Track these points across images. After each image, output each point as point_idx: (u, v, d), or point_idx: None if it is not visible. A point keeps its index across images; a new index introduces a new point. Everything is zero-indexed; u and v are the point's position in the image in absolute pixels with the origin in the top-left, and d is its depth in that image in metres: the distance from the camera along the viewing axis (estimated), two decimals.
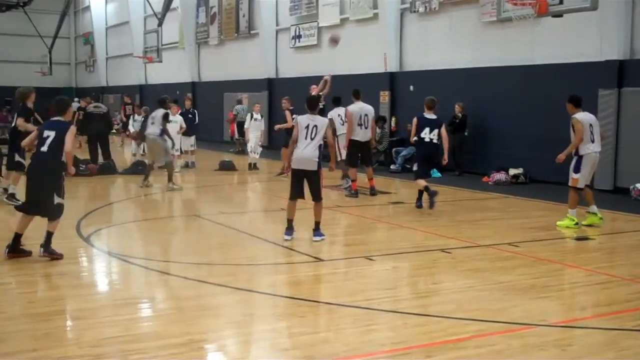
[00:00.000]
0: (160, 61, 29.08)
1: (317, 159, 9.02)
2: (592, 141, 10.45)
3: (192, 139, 18.68)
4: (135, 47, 35.11)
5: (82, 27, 46.32)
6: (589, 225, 10.42)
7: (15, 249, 7.91)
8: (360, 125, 13.38)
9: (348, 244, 9.61)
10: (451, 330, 5.53)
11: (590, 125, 10.44)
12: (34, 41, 40.69)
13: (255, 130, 18.10)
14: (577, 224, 10.31)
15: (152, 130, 14.43)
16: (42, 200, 7.80)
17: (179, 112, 18.04)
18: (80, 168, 16.44)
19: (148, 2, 30.99)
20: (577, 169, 10.48)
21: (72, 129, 7.96)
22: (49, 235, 7.86)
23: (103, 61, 42.87)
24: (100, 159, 17.32)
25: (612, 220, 11.68)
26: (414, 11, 19.38)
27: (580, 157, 10.44)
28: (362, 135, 13.44)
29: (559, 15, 12.73)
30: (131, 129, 22.16)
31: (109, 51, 42.41)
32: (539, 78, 15.73)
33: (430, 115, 12.02)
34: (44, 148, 7.79)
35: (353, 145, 13.40)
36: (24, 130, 10.95)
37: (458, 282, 7.17)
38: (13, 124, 11.52)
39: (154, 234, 10.19)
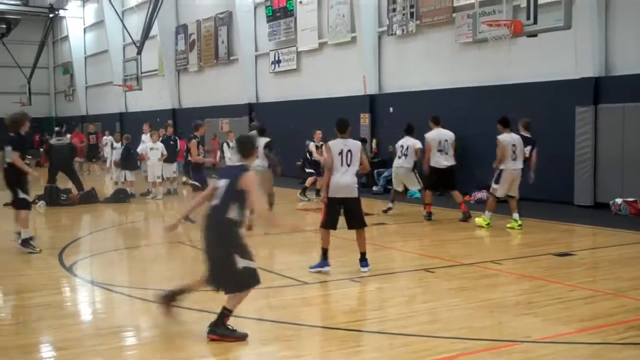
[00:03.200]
0: (140, 89, 29.06)
1: (356, 185, 8.71)
2: (514, 159, 12.18)
3: (174, 165, 18.66)
4: (114, 76, 35.10)
5: (61, 56, 46.29)
6: (511, 228, 11.95)
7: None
8: (440, 151, 13.46)
9: (332, 266, 9.59)
10: (437, 349, 5.54)
11: (513, 145, 12.18)
12: (13, 72, 40.63)
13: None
14: (488, 224, 12.15)
15: (260, 162, 12.26)
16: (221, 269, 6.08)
17: (160, 139, 18.05)
18: (62, 197, 16.38)
19: (127, 30, 31.06)
20: (496, 181, 12.29)
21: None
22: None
23: (82, 90, 42.80)
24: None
25: (593, 235, 11.79)
26: (392, 34, 19.57)
27: (500, 172, 12.21)
28: (443, 160, 13.50)
29: (533, 35, 12.91)
30: (108, 156, 22.19)
31: (89, 80, 42.36)
32: (517, 97, 15.90)
33: (525, 133, 12.74)
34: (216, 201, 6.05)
35: (434, 172, 13.48)
36: (20, 167, 9.87)
37: (443, 301, 7.19)
38: (7, 160, 9.90)
39: (137, 262, 10.14)
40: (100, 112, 39.28)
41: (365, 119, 20.38)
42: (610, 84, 14.31)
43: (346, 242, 11.32)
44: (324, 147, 9.60)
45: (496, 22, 12.96)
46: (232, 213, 5.89)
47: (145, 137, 19.58)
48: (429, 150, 13.46)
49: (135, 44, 29.05)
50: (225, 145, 20.23)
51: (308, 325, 6.48)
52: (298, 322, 6.51)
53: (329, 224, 8.80)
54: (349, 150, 8.62)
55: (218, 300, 7.50)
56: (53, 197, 16.11)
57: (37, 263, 9.63)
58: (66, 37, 44.00)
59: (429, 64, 18.61)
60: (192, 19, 30.09)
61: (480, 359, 5.32)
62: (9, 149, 9.82)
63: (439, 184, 13.72)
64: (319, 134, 17.42)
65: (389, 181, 18.32)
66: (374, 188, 18.50)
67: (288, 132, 22.13)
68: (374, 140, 20.17)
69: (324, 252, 8.84)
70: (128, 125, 32.90)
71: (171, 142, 18.78)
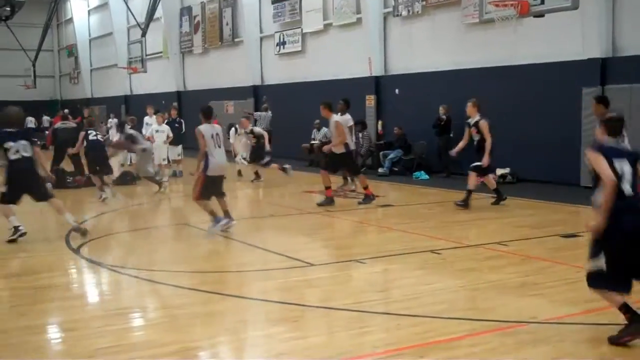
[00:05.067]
0: (145, 71, 29.01)
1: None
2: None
3: (179, 148, 18.64)
4: (119, 58, 35.06)
5: (66, 39, 46.21)
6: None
7: None
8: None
9: (338, 247, 9.62)
10: (444, 330, 5.55)
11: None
12: (18, 54, 40.58)
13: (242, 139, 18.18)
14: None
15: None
16: None
17: (165, 121, 18.04)
18: (68, 180, 16.41)
19: (131, 12, 30.96)
20: None
21: None
22: None
23: (87, 73, 42.76)
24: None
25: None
26: (397, 15, 19.46)
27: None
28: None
29: (540, 15, 12.82)
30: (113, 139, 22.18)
31: (93, 63, 42.31)
32: (523, 78, 15.83)
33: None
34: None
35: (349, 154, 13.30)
36: (43, 162, 9.94)
37: (449, 282, 7.20)
38: (28, 154, 9.56)
39: (144, 244, 10.16)
40: (105, 95, 39.26)
41: (370, 101, 20.32)
42: (617, 64, 14.21)
43: (349, 223, 11.36)
44: (196, 132, 10.05)
45: (503, 3, 12.86)
46: None
47: (149, 120, 19.56)
48: (344, 133, 12.81)
49: (139, 26, 28.98)
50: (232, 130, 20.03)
51: (314, 306, 6.49)
52: (304, 304, 6.52)
53: (206, 196, 10.05)
54: (217, 134, 10.04)
55: (228, 282, 7.54)
56: (59, 180, 16.13)
57: (44, 245, 9.66)
58: (70, 20, 43.91)
59: (434, 45, 18.51)
60: (196, 1, 29.96)
61: (486, 340, 5.33)
62: (24, 142, 9.61)
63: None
64: (245, 122, 17.40)
65: (394, 163, 18.32)
66: (380, 170, 18.47)
67: (292, 114, 22.10)
68: (380, 122, 20.12)
69: (212, 213, 9.98)
70: (133, 108, 32.88)
71: (176, 125, 18.78)
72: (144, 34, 28.43)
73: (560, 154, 14.87)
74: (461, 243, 9.19)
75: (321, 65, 22.45)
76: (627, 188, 5.22)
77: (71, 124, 18.24)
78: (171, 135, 17.47)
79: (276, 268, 8.23)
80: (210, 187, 10.01)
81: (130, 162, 18.14)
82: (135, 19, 30.00)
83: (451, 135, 17.26)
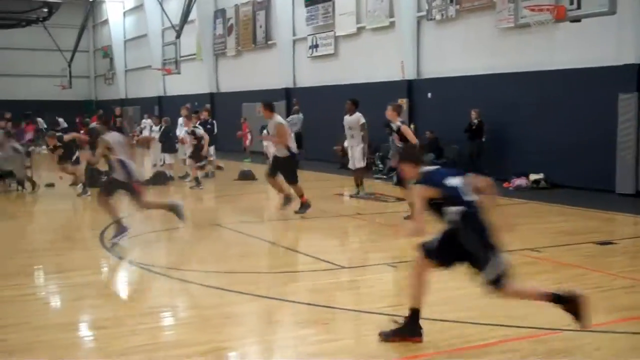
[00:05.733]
0: (179, 73, 29.22)
1: None
2: None
3: (211, 149, 18.76)
4: (153, 60, 35.37)
5: (101, 40, 46.76)
6: None
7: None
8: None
9: (369, 250, 9.60)
10: (476, 336, 5.51)
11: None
12: (54, 55, 41.15)
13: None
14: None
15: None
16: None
17: (198, 122, 18.16)
18: (102, 179, 16.60)
19: (166, 15, 31.22)
20: None
21: None
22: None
23: (122, 74, 43.23)
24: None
25: (634, 224, 11.59)
26: (431, 19, 19.38)
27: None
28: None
29: (577, 20, 12.69)
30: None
31: (128, 64, 42.76)
32: (558, 83, 15.66)
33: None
34: None
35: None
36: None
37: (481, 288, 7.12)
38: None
39: (176, 244, 10.24)
40: (139, 96, 39.64)
41: (403, 104, 20.23)
42: None
43: (381, 226, 11.32)
44: (99, 140, 10.11)
45: (539, 7, 12.76)
46: None
47: (182, 121, 19.70)
48: (285, 135, 12.20)
49: (174, 28, 29.21)
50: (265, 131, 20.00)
51: (344, 309, 6.48)
52: (334, 306, 6.51)
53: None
54: (120, 141, 10.07)
55: (259, 283, 7.55)
56: (93, 179, 16.35)
57: (78, 243, 9.78)
58: (106, 21, 44.42)
59: (468, 50, 18.40)
60: (230, 4, 30.14)
61: (520, 347, 5.27)
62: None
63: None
64: (187, 121, 17.70)
65: None
66: None
67: (324, 117, 22.10)
68: (412, 126, 20.01)
69: (118, 221, 9.64)
70: (167, 109, 33.15)
71: (208, 126, 18.88)
72: (178, 36, 28.65)
73: (595, 160, 14.67)
74: None
75: (353, 68, 22.44)
76: None
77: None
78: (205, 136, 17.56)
79: (307, 270, 8.25)
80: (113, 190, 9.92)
81: (163, 162, 18.27)
82: (170, 21, 30.26)
83: (483, 139, 17.15)
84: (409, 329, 5.37)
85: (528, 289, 5.59)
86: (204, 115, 19.68)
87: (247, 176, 18.33)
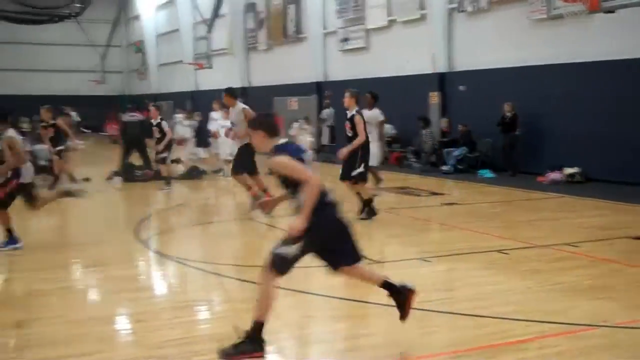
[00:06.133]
0: (211, 67, 29.40)
1: None
2: None
3: None
4: (185, 54, 35.59)
5: (133, 35, 47.16)
6: None
7: None
8: None
9: (403, 245, 9.58)
10: (512, 332, 5.47)
11: None
12: (87, 50, 41.64)
13: (304, 136, 18.33)
14: None
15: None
16: None
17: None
18: (137, 174, 16.78)
19: (197, 9, 31.40)
20: None
21: None
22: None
23: (154, 68, 43.57)
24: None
25: None
26: (462, 11, 19.22)
27: None
28: None
29: (611, 11, 12.50)
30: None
31: (160, 58, 43.08)
32: (591, 75, 15.43)
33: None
34: None
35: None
36: None
37: (516, 283, 7.08)
38: None
39: (210, 238, 10.31)
40: (171, 91, 39.94)
41: (434, 98, 20.14)
42: None
43: (414, 221, 11.28)
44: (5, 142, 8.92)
45: None
46: None
47: (215, 115, 19.81)
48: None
49: (205, 22, 29.37)
50: (296, 124, 20.10)
51: (378, 304, 6.45)
52: (368, 301, 6.50)
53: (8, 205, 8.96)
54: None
55: (292, 277, 7.56)
56: (128, 173, 16.55)
57: (113, 237, 9.90)
58: (138, 16, 44.80)
59: (500, 41, 18.22)
60: None
61: (556, 343, 5.22)
62: None
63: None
64: (155, 112, 16.50)
65: (459, 160, 18.11)
66: (443, 167, 18.30)
67: None
68: (445, 119, 19.91)
69: (9, 230, 8.93)
70: (199, 103, 33.36)
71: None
72: (209, 31, 28.81)
73: (631, 153, 14.45)
74: (528, 243, 9.02)
75: (385, 61, 22.35)
76: None
77: (138, 116, 18.41)
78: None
79: None
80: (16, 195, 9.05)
81: (197, 157, 18.41)
82: (201, 15, 30.43)
83: (517, 132, 16.99)
84: (252, 343, 4.96)
85: (366, 271, 5.53)
86: None
87: None
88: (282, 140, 5.14)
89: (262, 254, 8.80)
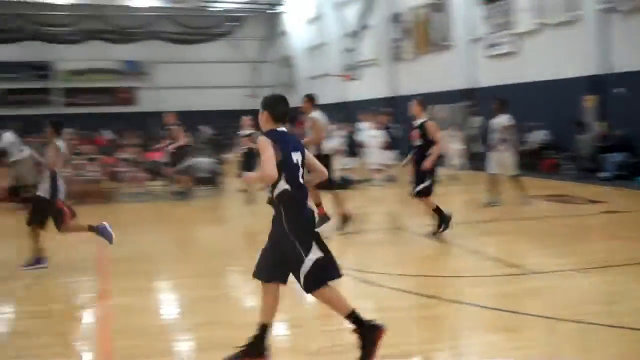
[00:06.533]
0: (358, 79, 29.70)
1: None
2: None
3: (392, 153, 18.92)
4: (333, 67, 36.21)
5: (282, 50, 48.57)
6: None
7: None
8: None
9: (558, 255, 9.25)
10: None
11: None
12: (239, 67, 43.47)
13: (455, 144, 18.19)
14: None
15: None
16: None
17: (380, 127, 18.44)
18: None
19: (343, 22, 31.88)
20: None
21: None
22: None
23: (303, 82, 44.63)
24: None
25: None
26: (618, 10, 18.31)
27: None
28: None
29: None
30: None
31: (308, 72, 44.06)
32: None
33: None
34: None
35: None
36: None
37: None
38: None
39: (361, 246, 10.43)
40: (320, 103, 40.70)
41: (589, 101, 19.28)
42: None
43: (571, 230, 10.86)
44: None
45: None
46: None
47: (364, 125, 20.05)
48: (320, 132, 11.25)
49: (352, 35, 29.77)
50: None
51: (533, 315, 6.30)
52: (522, 312, 6.35)
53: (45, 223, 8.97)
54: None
55: (445, 287, 7.53)
56: None
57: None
58: (286, 32, 46.10)
59: None
60: (406, 7, 30.21)
61: None
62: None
63: None
64: (247, 119, 16.53)
65: (619, 166, 17.22)
66: (601, 174, 17.45)
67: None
68: (602, 123, 19.01)
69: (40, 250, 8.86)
70: (348, 115, 33.80)
71: (389, 130, 19.08)
72: (356, 42, 29.15)
73: None
74: None
75: (535, 65, 21.68)
76: None
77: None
78: (385, 140, 17.82)
79: (493, 275, 8.11)
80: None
81: (347, 167, 18.67)
82: (348, 28, 30.87)
83: None
84: (255, 348, 5.06)
85: (338, 299, 5.13)
86: (385, 119, 19.88)
87: None
88: (281, 128, 5.09)
89: (416, 262, 8.87)
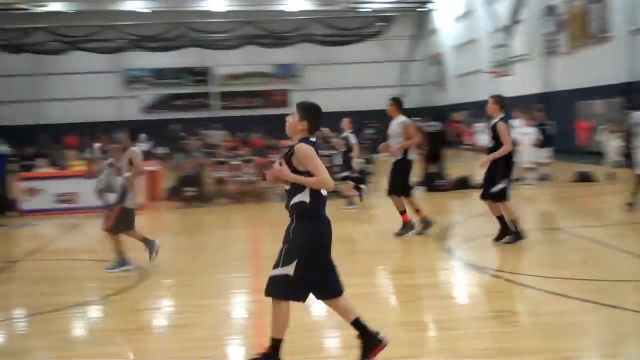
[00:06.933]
0: (510, 74, 28.95)
1: None
2: None
3: (547, 151, 18.27)
4: (482, 63, 35.49)
5: (431, 48, 48.18)
6: None
7: None
8: None
9: None
10: None
11: None
12: (388, 66, 43.63)
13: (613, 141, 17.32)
14: None
15: None
16: None
17: (533, 124, 17.88)
18: (437, 183, 17.20)
19: (494, 17, 31.19)
20: None
21: None
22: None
23: (452, 79, 44.07)
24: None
25: None
26: None
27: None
28: None
29: None
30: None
31: (457, 69, 43.44)
32: None
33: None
34: None
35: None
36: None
37: None
38: None
39: (513, 247, 10.16)
40: (469, 100, 40.04)
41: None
42: None
43: None
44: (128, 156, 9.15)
45: None
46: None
47: (516, 122, 19.49)
48: (415, 136, 10.83)
49: (502, 30, 29.07)
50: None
51: None
52: None
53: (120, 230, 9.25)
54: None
55: (602, 291, 7.19)
56: (431, 182, 17.13)
57: (417, 246, 10.24)
58: (436, 30, 45.68)
59: None
60: None
61: None
62: None
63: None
64: (347, 122, 15.67)
65: None
66: None
67: None
68: None
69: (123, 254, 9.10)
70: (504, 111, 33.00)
71: (543, 127, 18.45)
72: (507, 38, 28.44)
73: None
74: None
75: None
76: None
77: (436, 125, 19.06)
78: (538, 137, 17.27)
79: None
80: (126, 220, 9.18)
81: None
82: (498, 23, 30.19)
83: None
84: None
85: (284, 320, 5.06)
86: (539, 116, 19.24)
87: (585, 178, 17.57)
88: (313, 138, 5.09)
89: (571, 265, 8.54)
